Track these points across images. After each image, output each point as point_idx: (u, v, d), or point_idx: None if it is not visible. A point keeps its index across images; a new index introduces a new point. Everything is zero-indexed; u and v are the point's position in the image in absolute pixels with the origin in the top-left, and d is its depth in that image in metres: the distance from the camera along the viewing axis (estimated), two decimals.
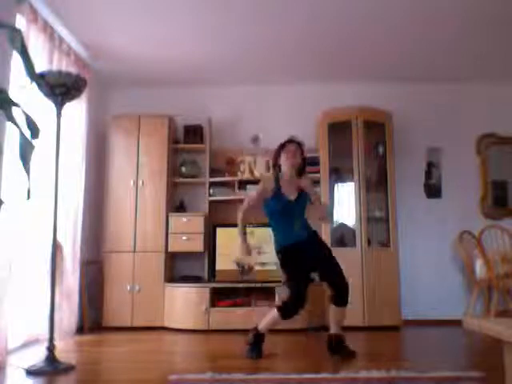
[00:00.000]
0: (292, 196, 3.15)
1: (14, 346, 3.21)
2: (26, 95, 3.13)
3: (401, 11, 3.66)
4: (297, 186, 3.17)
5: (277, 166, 3.26)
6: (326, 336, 3.18)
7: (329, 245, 4.37)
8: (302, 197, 3.18)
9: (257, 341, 3.08)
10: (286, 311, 3.04)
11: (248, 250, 3.19)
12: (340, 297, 3.08)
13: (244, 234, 3.19)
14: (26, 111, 2.23)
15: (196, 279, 4.56)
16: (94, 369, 2.87)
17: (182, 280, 4.51)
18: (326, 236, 4.43)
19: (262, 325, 3.13)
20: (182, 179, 4.80)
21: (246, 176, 4.69)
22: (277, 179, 3.19)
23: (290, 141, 3.27)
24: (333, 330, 3.16)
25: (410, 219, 4.80)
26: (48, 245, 3.28)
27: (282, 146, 3.24)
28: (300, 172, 3.24)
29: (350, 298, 3.13)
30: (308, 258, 3.11)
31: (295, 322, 4.13)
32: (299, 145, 3.26)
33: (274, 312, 3.07)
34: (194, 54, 4.40)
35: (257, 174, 4.67)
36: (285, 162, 3.20)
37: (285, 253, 3.16)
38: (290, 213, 3.15)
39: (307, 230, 3.20)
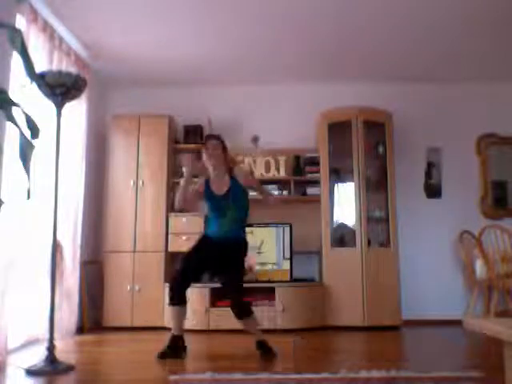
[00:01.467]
0: (220, 192, 3.16)
1: (13, 346, 3.21)
2: (26, 95, 3.13)
3: (401, 11, 3.66)
4: (228, 182, 3.17)
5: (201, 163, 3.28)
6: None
7: (328, 245, 4.42)
8: (233, 191, 3.15)
9: (172, 344, 3.04)
10: (172, 296, 3.04)
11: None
12: (235, 313, 3.08)
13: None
14: (25, 111, 2.23)
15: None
16: (94, 369, 2.87)
17: None
18: (326, 236, 4.45)
19: (171, 325, 3.14)
20: (182, 179, 4.78)
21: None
22: (207, 178, 3.24)
23: (208, 137, 3.27)
24: (255, 337, 3.15)
25: (410, 219, 4.80)
26: (48, 245, 3.28)
27: (202, 146, 3.26)
28: (227, 163, 3.24)
29: (248, 312, 3.11)
30: (213, 258, 3.13)
31: (295, 322, 4.14)
32: (218, 139, 3.23)
33: (168, 307, 3.15)
34: (194, 54, 4.40)
35: (257, 174, 4.67)
36: (206, 163, 3.21)
37: (202, 239, 3.21)
38: (218, 208, 3.16)
39: (234, 232, 3.16)
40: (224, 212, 3.15)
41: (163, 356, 2.95)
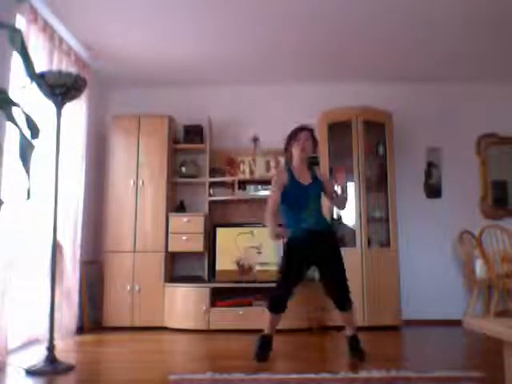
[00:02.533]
0: (305, 182, 3.14)
1: (13, 345, 3.21)
2: (26, 95, 3.13)
3: (401, 11, 3.66)
4: (309, 173, 3.19)
5: (288, 153, 3.27)
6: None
7: None
8: (317, 184, 3.17)
9: (262, 344, 3.02)
10: (272, 305, 3.05)
11: (278, 235, 3.07)
12: (337, 302, 3.07)
13: (273, 222, 3.06)
14: (25, 111, 2.23)
15: (196, 279, 4.56)
16: (94, 369, 2.87)
17: (181, 280, 4.51)
18: None
19: (265, 326, 3.10)
20: (181, 179, 4.80)
21: (246, 176, 4.69)
22: (288, 168, 3.22)
23: (301, 128, 3.26)
24: (347, 331, 3.13)
25: (410, 219, 4.80)
26: (48, 245, 3.28)
27: (293, 134, 3.24)
28: (311, 159, 3.28)
29: (351, 302, 3.09)
30: (308, 253, 3.07)
31: (295, 322, 4.13)
32: (311, 132, 3.26)
33: (266, 311, 3.10)
34: (194, 54, 4.40)
35: (257, 174, 4.67)
36: (296, 151, 3.20)
37: (290, 243, 3.11)
38: (302, 197, 3.10)
39: (320, 220, 3.15)
40: (307, 203, 3.09)
41: (260, 356, 2.94)
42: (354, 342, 3.06)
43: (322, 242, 3.08)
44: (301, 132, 3.22)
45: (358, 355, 2.98)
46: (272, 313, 3.05)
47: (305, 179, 3.15)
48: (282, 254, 3.17)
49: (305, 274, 3.20)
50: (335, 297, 3.07)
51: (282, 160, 4.71)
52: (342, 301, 3.06)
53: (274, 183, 3.18)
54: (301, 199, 3.10)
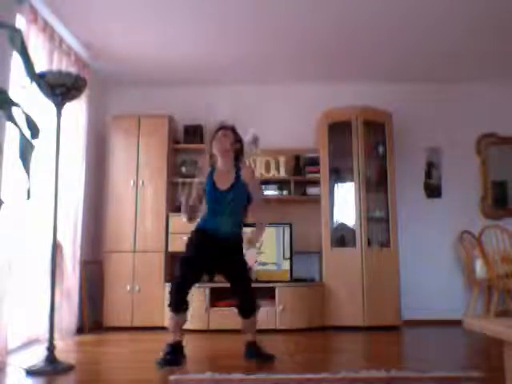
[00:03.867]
0: (223, 186, 2.94)
1: (14, 346, 3.21)
2: (26, 95, 3.13)
3: (401, 11, 3.66)
4: (233, 175, 2.97)
5: (213, 157, 3.06)
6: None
7: (328, 245, 4.42)
8: (237, 188, 2.94)
9: (173, 350, 2.84)
10: (170, 303, 2.84)
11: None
12: (242, 311, 2.95)
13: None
14: (25, 111, 2.23)
15: None
16: (94, 369, 2.87)
17: None
18: (326, 236, 4.45)
19: (171, 331, 2.93)
20: (182, 179, 4.79)
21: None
22: (212, 168, 3.04)
23: (220, 127, 3.06)
24: (248, 337, 3.02)
25: (410, 219, 4.80)
26: (48, 245, 3.28)
27: (213, 135, 3.06)
28: (236, 158, 3.05)
29: (256, 309, 2.99)
30: (212, 258, 2.92)
31: (295, 322, 4.13)
32: (230, 129, 3.06)
33: (169, 313, 2.91)
34: (194, 54, 4.40)
35: (257, 174, 4.66)
36: (216, 152, 3.01)
37: (195, 236, 2.99)
38: (216, 201, 2.94)
39: (232, 229, 2.95)
40: (222, 209, 2.93)
41: (163, 364, 2.74)
42: (253, 348, 2.97)
43: (225, 251, 2.93)
44: (219, 130, 3.05)
45: (263, 359, 2.89)
46: (172, 311, 2.84)
47: (224, 183, 2.94)
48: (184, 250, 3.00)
49: (203, 272, 3.01)
50: (239, 305, 2.95)
51: (283, 159, 4.72)
52: (245, 310, 2.95)
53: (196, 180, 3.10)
54: (216, 204, 2.94)
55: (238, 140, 3.09)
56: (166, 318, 4.30)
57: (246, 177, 2.99)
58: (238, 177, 2.98)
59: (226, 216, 2.94)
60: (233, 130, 3.09)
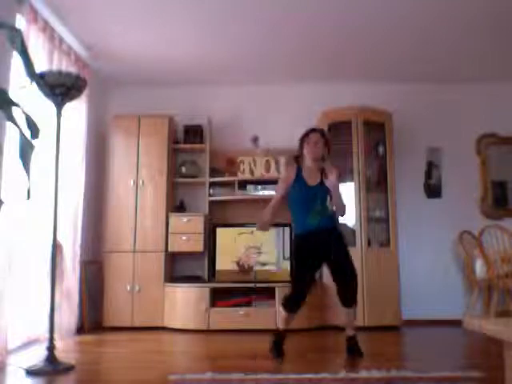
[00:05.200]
0: (313, 182, 3.12)
1: (13, 345, 3.21)
2: (26, 95, 3.13)
3: (401, 11, 3.66)
4: (319, 175, 3.13)
5: (300, 157, 3.23)
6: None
7: None
8: (324, 185, 3.09)
9: (276, 340, 3.12)
10: (287, 305, 3.10)
11: (265, 225, 3.12)
12: (343, 297, 3.09)
13: (270, 214, 3.11)
14: (25, 111, 2.23)
15: (196, 279, 4.55)
16: (94, 369, 2.87)
17: (181, 280, 4.51)
18: None
19: (279, 324, 3.23)
20: (181, 179, 4.80)
21: (246, 176, 4.69)
22: (299, 166, 3.21)
23: (312, 130, 3.23)
24: (347, 331, 3.17)
25: (410, 219, 4.80)
26: (48, 245, 3.28)
27: (304, 136, 3.21)
28: (322, 158, 3.20)
29: (356, 300, 3.13)
30: (319, 251, 3.09)
31: (295, 322, 4.13)
32: (322, 134, 3.22)
33: (281, 308, 3.17)
34: (194, 54, 4.40)
35: (257, 174, 4.67)
36: (307, 154, 3.18)
37: (298, 242, 3.15)
38: (308, 198, 3.10)
39: (327, 220, 3.11)
40: (313, 204, 3.08)
41: (278, 353, 3.04)
42: (352, 342, 3.11)
43: (327, 240, 3.10)
44: (311, 133, 3.20)
45: (356, 354, 3.04)
46: (286, 311, 3.12)
47: (313, 180, 3.13)
48: (292, 256, 3.24)
49: (315, 272, 3.22)
50: (342, 293, 3.09)
51: (283, 159, 4.72)
52: (348, 297, 3.08)
53: (281, 179, 3.27)
54: (307, 200, 3.10)
55: (326, 142, 3.22)
56: (166, 318, 4.29)
57: (329, 177, 3.08)
58: (323, 175, 3.12)
59: (318, 210, 3.08)
60: (322, 133, 3.24)
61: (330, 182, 3.03)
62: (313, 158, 3.16)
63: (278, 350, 3.07)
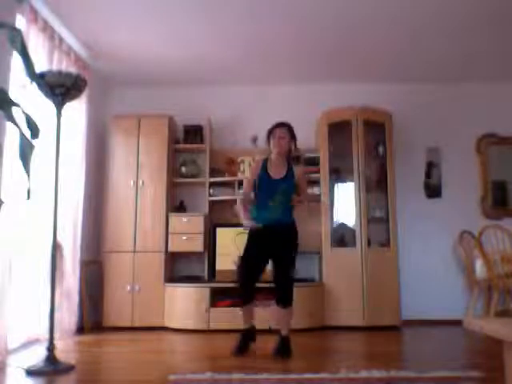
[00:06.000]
0: (276, 176, 3.19)
1: (13, 346, 3.21)
2: (26, 95, 3.13)
3: (400, 11, 3.66)
4: (285, 169, 3.22)
5: (268, 148, 3.32)
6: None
7: (328, 245, 4.42)
8: (288, 179, 3.19)
9: (242, 339, 3.16)
10: (239, 296, 3.21)
11: (245, 223, 3.23)
12: (277, 296, 3.18)
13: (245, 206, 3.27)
14: (26, 111, 2.23)
15: (196, 279, 4.56)
16: (94, 369, 2.87)
17: (182, 280, 4.51)
18: (326, 236, 4.45)
19: (242, 322, 3.26)
20: (181, 179, 4.80)
21: (246, 176, 4.68)
22: (266, 159, 3.28)
23: (279, 124, 3.28)
24: (282, 331, 3.18)
25: (410, 219, 4.80)
26: (48, 245, 3.28)
27: (271, 130, 3.28)
28: (289, 153, 3.29)
29: (290, 302, 3.18)
30: (268, 244, 3.17)
31: (295, 322, 4.13)
32: (289, 129, 3.28)
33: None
34: (194, 55, 4.40)
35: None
36: (273, 148, 3.25)
37: (251, 231, 3.22)
38: (269, 190, 3.17)
39: (284, 215, 3.19)
40: (273, 196, 3.15)
41: (240, 351, 3.08)
42: (285, 343, 3.12)
43: (278, 237, 3.17)
44: (278, 128, 3.26)
45: (284, 355, 3.05)
46: (242, 305, 3.19)
47: (277, 173, 3.19)
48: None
49: (264, 264, 3.26)
50: (276, 292, 3.20)
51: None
52: (280, 297, 3.16)
53: (249, 173, 3.39)
54: (268, 192, 3.17)
55: (293, 137, 3.30)
56: (166, 318, 4.30)
57: (298, 173, 3.26)
58: (289, 170, 3.22)
59: (277, 203, 3.17)
60: (289, 128, 3.28)
61: (303, 178, 3.27)
62: (278, 151, 3.21)
63: (241, 347, 3.11)
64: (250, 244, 3.21)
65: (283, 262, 3.19)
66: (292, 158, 3.35)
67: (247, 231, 3.26)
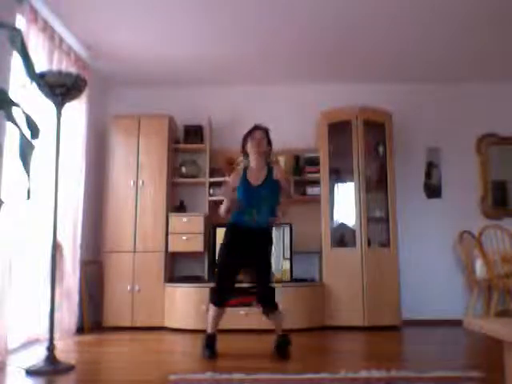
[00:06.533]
0: (256, 182, 3.18)
1: (13, 346, 3.21)
2: (26, 95, 3.13)
3: (400, 11, 3.66)
4: (265, 173, 3.21)
5: (244, 154, 3.31)
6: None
7: (328, 245, 4.42)
8: (269, 183, 3.18)
9: (207, 343, 3.10)
10: (213, 299, 3.18)
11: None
12: (260, 301, 3.18)
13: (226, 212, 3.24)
14: (25, 111, 2.23)
15: (196, 279, 4.56)
16: (94, 369, 2.87)
17: (181, 280, 4.51)
18: (326, 236, 4.45)
19: (208, 325, 3.18)
20: (181, 179, 4.80)
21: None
22: (244, 168, 3.28)
23: (256, 128, 3.29)
24: (277, 332, 3.19)
25: (410, 219, 4.80)
26: (48, 245, 3.28)
27: (249, 133, 3.28)
28: (267, 157, 3.30)
29: (275, 307, 3.17)
30: (244, 248, 3.14)
31: (295, 321, 4.13)
32: (266, 132, 3.29)
33: (210, 305, 3.20)
34: (194, 55, 4.40)
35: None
36: (251, 151, 3.24)
37: (230, 231, 3.21)
38: (251, 197, 3.15)
39: (262, 220, 3.16)
40: (256, 203, 3.14)
41: (212, 355, 3.03)
42: (286, 340, 3.12)
43: (255, 240, 3.16)
44: (255, 131, 3.27)
45: (283, 354, 3.05)
46: (214, 306, 3.13)
47: (257, 180, 3.18)
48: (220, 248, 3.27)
49: (239, 268, 3.23)
50: (258, 301, 3.20)
51: (282, 160, 4.71)
52: (264, 306, 3.16)
53: (226, 186, 3.37)
54: (250, 199, 3.15)
55: (269, 142, 3.32)
56: (166, 318, 4.30)
57: (277, 174, 3.23)
58: (269, 174, 3.21)
59: (260, 210, 3.14)
60: (266, 132, 3.30)
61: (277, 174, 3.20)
62: (258, 151, 3.22)
63: (210, 350, 3.06)
64: (228, 246, 3.18)
65: (261, 267, 3.17)
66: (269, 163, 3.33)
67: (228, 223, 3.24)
